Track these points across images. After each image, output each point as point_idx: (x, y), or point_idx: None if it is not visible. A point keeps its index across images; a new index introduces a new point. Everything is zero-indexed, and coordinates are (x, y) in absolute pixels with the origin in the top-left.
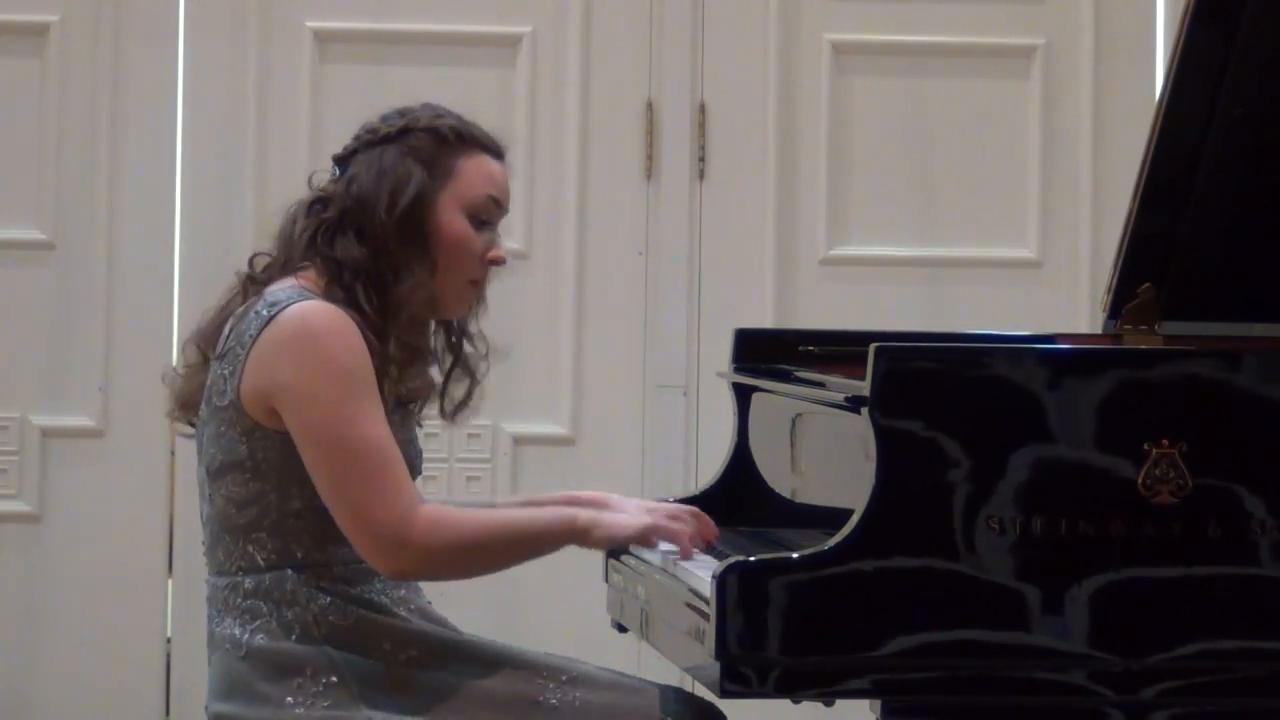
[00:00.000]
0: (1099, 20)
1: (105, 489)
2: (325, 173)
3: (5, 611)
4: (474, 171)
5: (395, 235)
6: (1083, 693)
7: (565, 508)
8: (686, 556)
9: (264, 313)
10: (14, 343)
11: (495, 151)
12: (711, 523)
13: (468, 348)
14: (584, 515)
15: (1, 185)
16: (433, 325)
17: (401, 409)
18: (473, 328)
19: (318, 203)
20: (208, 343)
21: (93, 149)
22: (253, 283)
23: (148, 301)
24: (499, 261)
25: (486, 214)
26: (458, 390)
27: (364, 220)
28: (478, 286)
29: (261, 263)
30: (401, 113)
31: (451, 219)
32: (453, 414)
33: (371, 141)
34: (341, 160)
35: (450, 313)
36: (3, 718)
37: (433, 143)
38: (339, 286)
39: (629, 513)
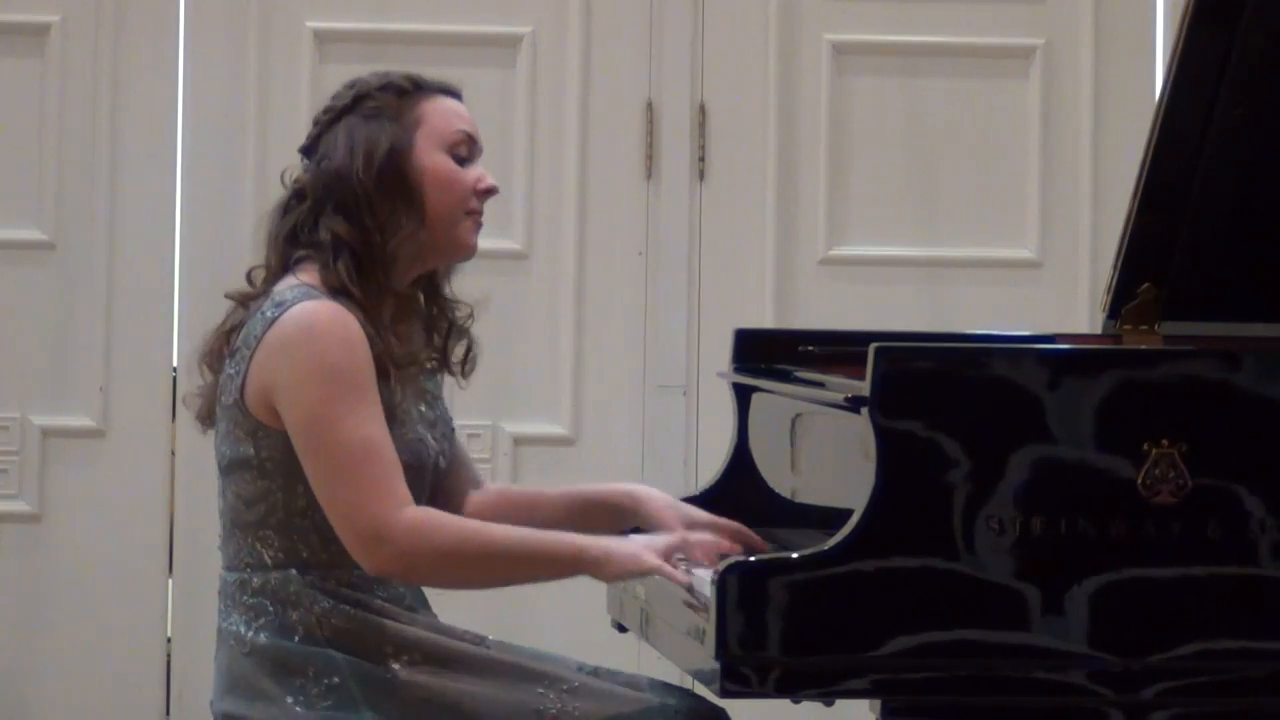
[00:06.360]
0: (1099, 20)
1: (105, 489)
2: (297, 168)
3: (5, 611)
4: (440, 111)
5: (377, 191)
6: (1083, 693)
7: (575, 536)
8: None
9: (269, 313)
10: (14, 343)
11: (453, 93)
12: (747, 534)
13: (452, 311)
14: (594, 548)
15: (1, 185)
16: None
17: (415, 385)
18: (446, 291)
19: (293, 198)
20: (214, 359)
21: (93, 149)
22: (251, 298)
23: (148, 301)
24: (492, 190)
25: (464, 149)
26: (458, 350)
27: (342, 191)
28: (475, 218)
29: (259, 275)
30: (350, 84)
31: (433, 159)
32: (461, 371)
33: (331, 120)
34: (307, 150)
35: (457, 253)
36: (3, 717)
37: (391, 97)
38: (332, 270)
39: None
